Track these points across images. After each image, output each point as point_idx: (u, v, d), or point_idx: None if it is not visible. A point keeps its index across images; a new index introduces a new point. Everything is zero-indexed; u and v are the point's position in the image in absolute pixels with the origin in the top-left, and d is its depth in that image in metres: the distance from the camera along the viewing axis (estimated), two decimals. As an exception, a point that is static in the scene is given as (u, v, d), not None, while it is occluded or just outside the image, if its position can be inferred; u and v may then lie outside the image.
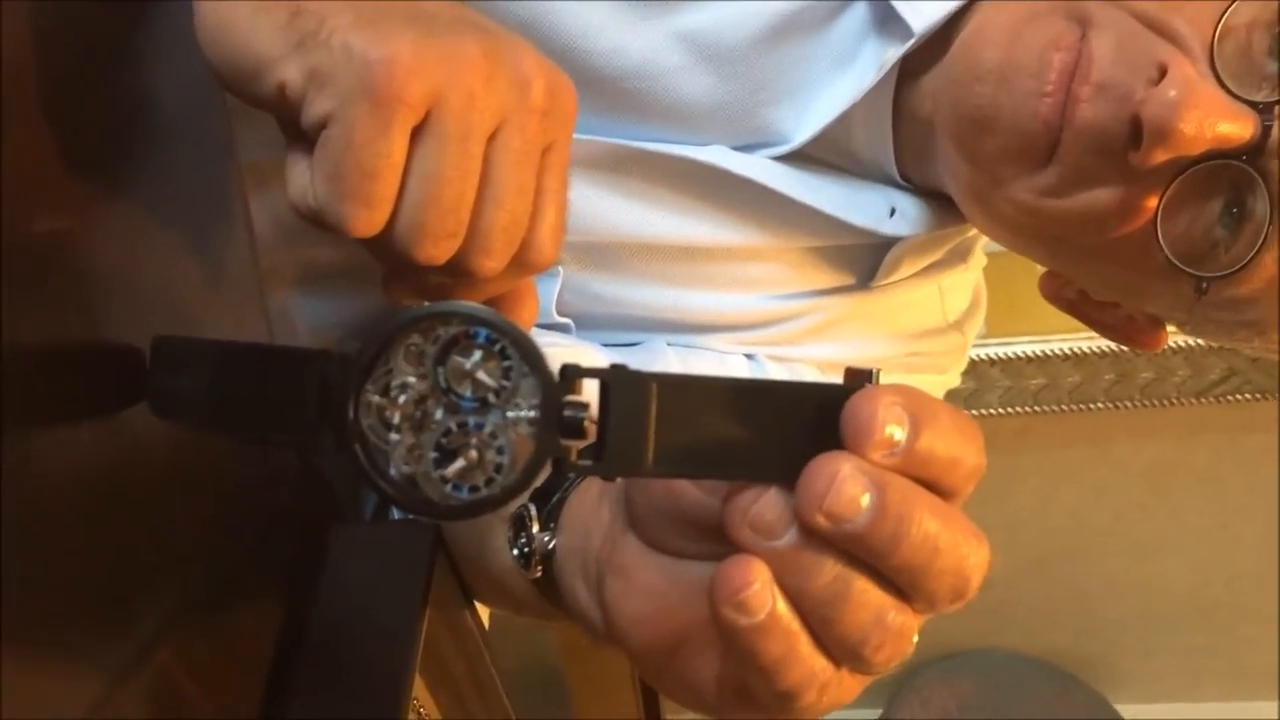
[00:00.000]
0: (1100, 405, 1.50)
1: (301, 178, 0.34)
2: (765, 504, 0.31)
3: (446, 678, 0.56)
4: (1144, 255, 0.55)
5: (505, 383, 0.29)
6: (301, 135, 0.34)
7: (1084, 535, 1.71)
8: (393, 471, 0.29)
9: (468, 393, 0.29)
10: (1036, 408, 1.51)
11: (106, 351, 0.36)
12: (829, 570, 0.31)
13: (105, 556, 0.35)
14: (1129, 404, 1.50)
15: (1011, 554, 1.69)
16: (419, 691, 0.50)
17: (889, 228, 0.65)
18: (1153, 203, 0.53)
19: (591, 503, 0.44)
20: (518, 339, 0.29)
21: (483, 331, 0.29)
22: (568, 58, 0.60)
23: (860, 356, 0.71)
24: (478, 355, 0.29)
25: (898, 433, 0.30)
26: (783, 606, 0.32)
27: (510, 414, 0.29)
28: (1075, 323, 0.70)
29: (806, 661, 0.32)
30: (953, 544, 0.31)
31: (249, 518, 0.46)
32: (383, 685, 0.46)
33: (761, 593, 0.31)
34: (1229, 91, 0.51)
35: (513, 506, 0.47)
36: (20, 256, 0.31)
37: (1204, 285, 0.55)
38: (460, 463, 0.29)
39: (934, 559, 0.31)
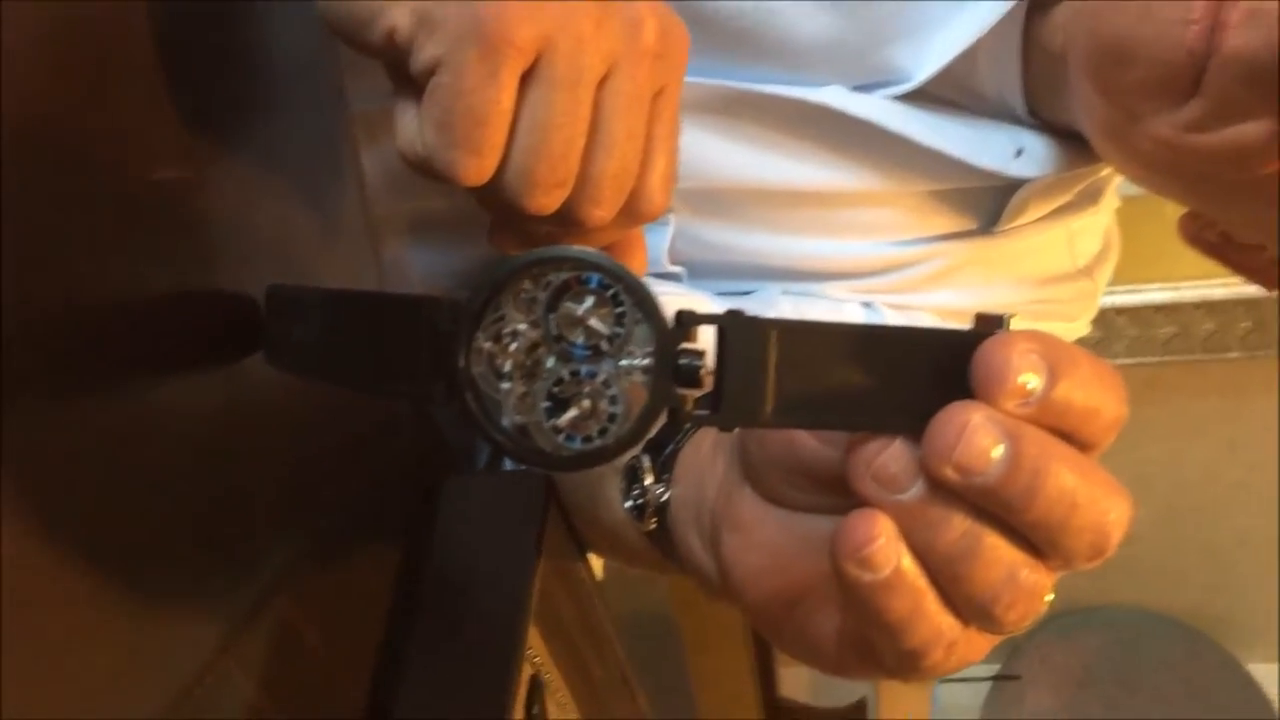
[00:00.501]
0: (1235, 355, 1.44)
1: (410, 126, 0.34)
2: (891, 455, 0.30)
3: (560, 628, 0.56)
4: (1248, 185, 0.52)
5: (618, 330, 0.28)
6: (410, 83, 0.34)
7: (1216, 489, 1.65)
8: (504, 421, 0.28)
9: (580, 340, 0.28)
10: (1167, 358, 1.45)
11: (223, 300, 0.36)
12: (958, 525, 0.30)
13: (224, 505, 0.35)
14: (1265, 353, 1.43)
15: (1139, 508, 1.62)
16: (533, 641, 0.51)
17: (1016, 169, 0.62)
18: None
19: (706, 454, 0.43)
20: (631, 285, 0.28)
21: (595, 277, 0.28)
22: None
23: (984, 304, 0.68)
24: (590, 301, 0.28)
25: (1033, 381, 0.28)
26: (908, 563, 0.30)
27: (624, 362, 0.28)
28: (1208, 268, 0.66)
29: (933, 619, 0.31)
30: (1091, 499, 0.29)
31: (364, 467, 0.46)
32: (498, 635, 0.47)
33: (886, 548, 0.30)
34: None
35: (626, 457, 0.47)
36: (140, 206, 0.32)
37: None
38: (573, 412, 0.28)
39: (1071, 515, 0.29)
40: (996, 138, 0.62)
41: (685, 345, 0.28)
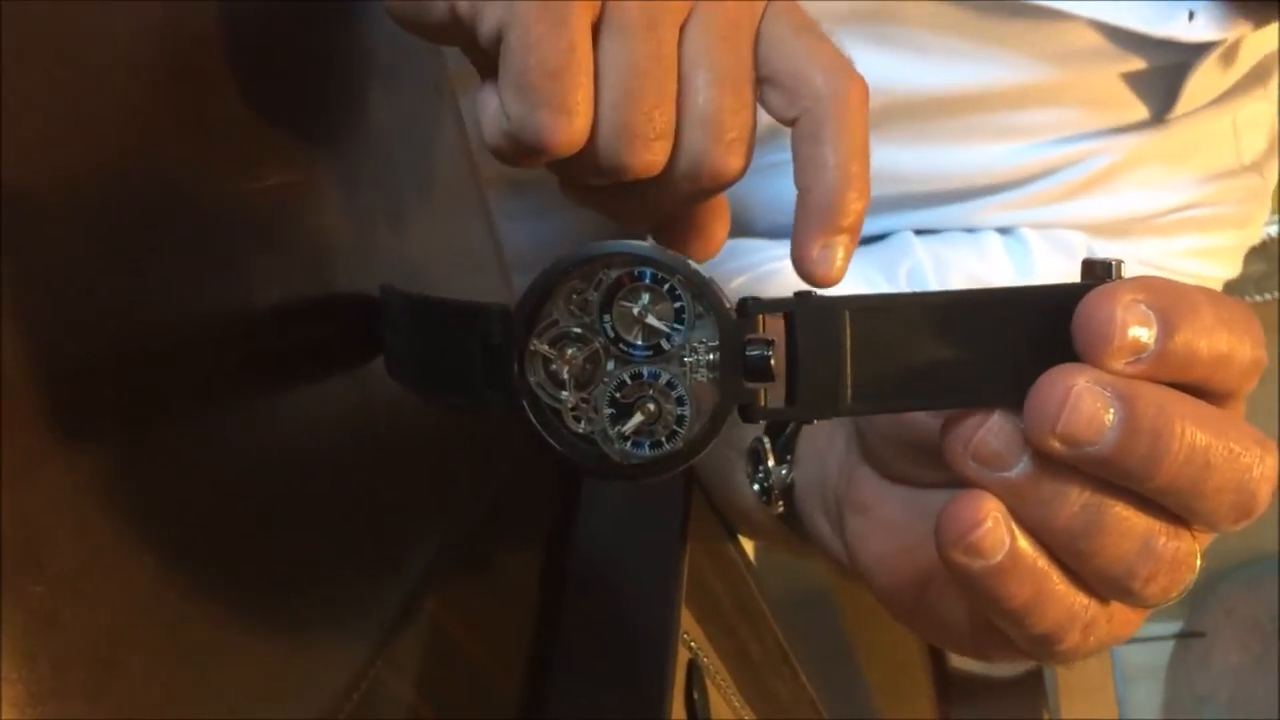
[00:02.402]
0: None
1: (491, 106, 0.31)
2: (989, 432, 0.28)
3: (714, 610, 0.55)
4: None
5: (678, 326, 0.27)
6: (488, 64, 0.32)
7: None
8: (567, 431, 0.27)
9: (639, 340, 0.27)
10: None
11: (343, 303, 0.36)
12: (1075, 499, 0.27)
13: (364, 508, 0.35)
14: None
15: None
16: (688, 625, 0.50)
17: (1195, 33, 0.57)
18: None
19: (826, 433, 0.41)
20: (689, 276, 0.27)
21: (648, 271, 0.27)
22: None
23: (1142, 210, 0.64)
24: (646, 298, 0.27)
25: (1144, 334, 0.26)
26: (1025, 544, 0.28)
27: (688, 359, 0.27)
28: None
29: (1062, 601, 0.29)
30: (1227, 456, 0.26)
31: (503, 458, 0.46)
32: (650, 622, 0.46)
33: (995, 531, 0.28)
34: None
35: (748, 440, 0.45)
36: (251, 213, 0.32)
37: None
38: (638, 418, 0.27)
39: (1205, 476, 0.26)
40: (1163, 6, 0.57)
41: (752, 336, 0.27)
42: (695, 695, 0.49)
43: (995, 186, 0.64)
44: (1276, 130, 0.69)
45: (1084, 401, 0.26)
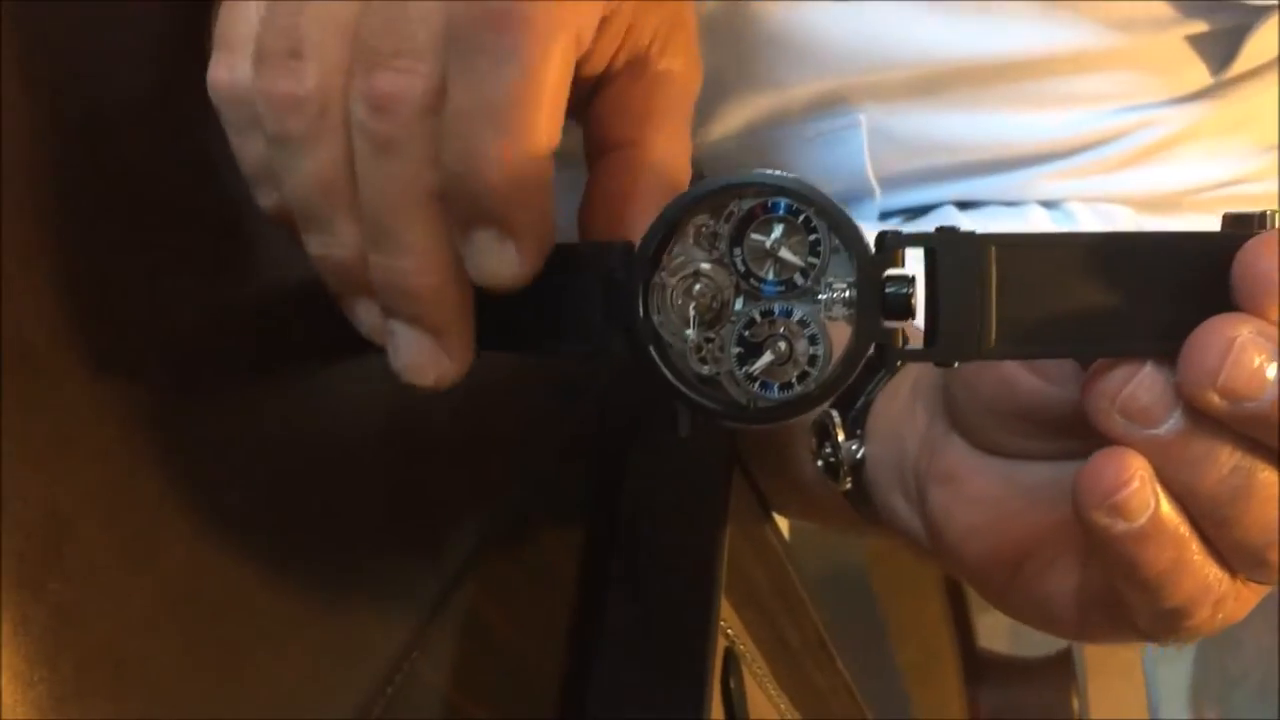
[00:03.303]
0: None
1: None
2: (1141, 384, 0.26)
3: (751, 595, 0.54)
4: None
5: (813, 260, 0.25)
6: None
7: None
8: (691, 373, 0.25)
9: (771, 275, 0.25)
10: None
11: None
12: (1225, 461, 0.26)
13: (402, 495, 0.34)
14: None
15: None
16: (725, 613, 0.49)
17: None
18: None
19: (902, 405, 0.40)
20: (825, 207, 0.25)
21: (782, 202, 0.25)
22: None
23: (1194, 182, 0.62)
24: (779, 230, 0.25)
25: None
26: (1167, 507, 0.26)
27: (822, 296, 0.25)
28: None
29: (1199, 572, 0.27)
30: None
31: (540, 445, 0.44)
32: (689, 611, 0.45)
33: (1141, 491, 0.26)
34: None
35: (815, 412, 0.44)
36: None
37: None
38: (767, 357, 0.25)
39: None
40: None
41: (891, 271, 0.25)
42: (731, 684, 0.48)
43: (1049, 155, 0.62)
44: None
45: (1247, 353, 0.24)
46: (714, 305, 0.25)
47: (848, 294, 0.25)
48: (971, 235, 0.25)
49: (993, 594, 0.35)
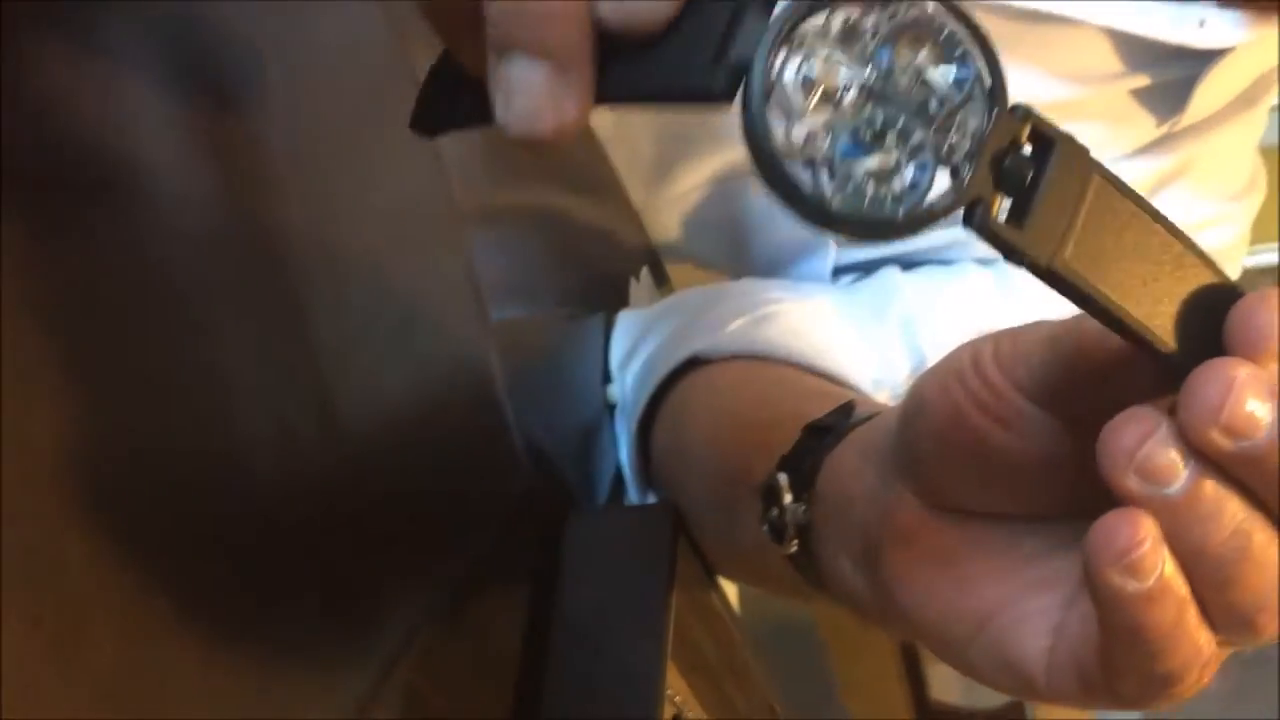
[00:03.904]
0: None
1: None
2: (1159, 442, 0.26)
3: (698, 662, 0.54)
4: None
5: (955, 94, 0.24)
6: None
7: None
8: (785, 142, 0.24)
9: (903, 90, 0.24)
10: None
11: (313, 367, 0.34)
12: (1229, 521, 0.26)
13: (340, 571, 0.34)
14: None
15: None
16: (672, 680, 0.48)
17: (1206, 39, 0.58)
18: None
19: (849, 467, 0.40)
20: (988, 51, 0.25)
21: (948, 26, 0.24)
22: None
23: None
24: (927, 52, 0.24)
25: None
26: (1172, 569, 0.27)
27: (948, 134, 0.24)
28: None
29: (1195, 635, 0.28)
30: None
31: (482, 517, 0.44)
32: (636, 678, 0.45)
33: (1154, 552, 0.27)
34: None
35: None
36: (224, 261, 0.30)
37: None
38: (876, 161, 0.24)
39: None
40: (1172, 13, 0.58)
41: (1018, 141, 0.25)
42: (679, 752, 0.48)
43: None
44: (1257, 168, 0.69)
45: (1247, 392, 0.25)
46: (840, 90, 0.24)
47: (968, 145, 0.25)
48: (1088, 152, 0.26)
49: (952, 652, 0.35)
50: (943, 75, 0.24)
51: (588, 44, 0.25)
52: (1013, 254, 0.25)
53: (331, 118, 0.40)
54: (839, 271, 0.69)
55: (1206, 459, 0.26)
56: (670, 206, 0.70)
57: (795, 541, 0.42)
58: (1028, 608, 0.32)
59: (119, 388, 0.26)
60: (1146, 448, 0.26)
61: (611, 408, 0.59)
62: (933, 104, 0.24)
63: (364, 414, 0.37)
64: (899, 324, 0.61)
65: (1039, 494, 0.32)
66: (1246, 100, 0.64)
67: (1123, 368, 0.28)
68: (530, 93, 0.25)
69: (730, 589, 0.63)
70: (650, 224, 0.71)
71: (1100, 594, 0.28)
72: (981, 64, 0.25)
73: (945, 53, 0.24)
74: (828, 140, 0.24)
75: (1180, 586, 0.27)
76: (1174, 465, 0.26)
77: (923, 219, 0.24)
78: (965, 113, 0.24)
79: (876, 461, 0.38)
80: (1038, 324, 0.31)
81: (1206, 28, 0.58)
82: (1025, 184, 0.25)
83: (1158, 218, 0.27)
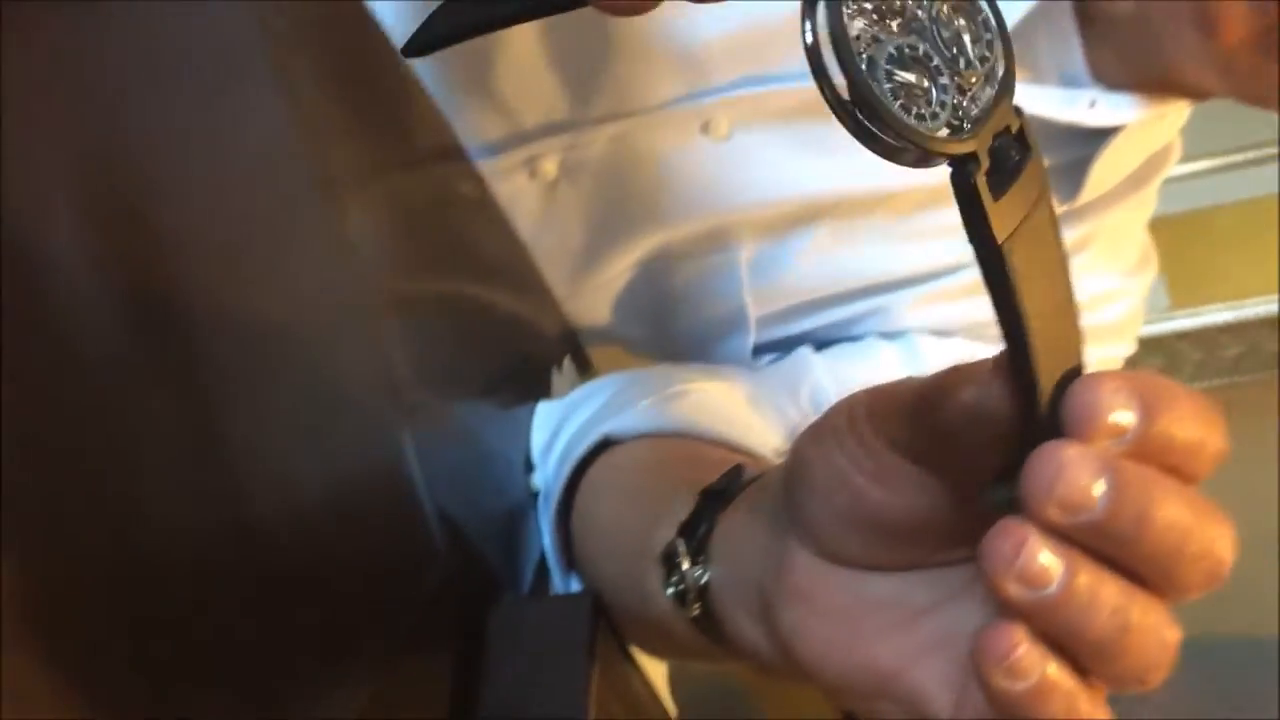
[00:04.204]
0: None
1: None
2: (1031, 550, 0.28)
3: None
4: None
5: (978, 65, 0.27)
6: None
7: None
8: (835, 18, 0.26)
9: (941, 41, 0.27)
10: (1237, 378, 1.41)
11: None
12: (1105, 605, 0.29)
13: (251, 668, 0.34)
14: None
15: (1247, 536, 1.59)
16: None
17: (1096, 118, 0.62)
18: None
19: (740, 527, 0.42)
20: (1006, 42, 0.28)
21: (984, 11, 0.28)
22: (735, 7, 0.60)
23: None
24: (962, 21, 0.27)
25: (1126, 419, 0.28)
26: (1055, 667, 0.29)
27: (966, 95, 0.27)
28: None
29: (1087, 708, 0.30)
30: (1201, 526, 0.28)
31: (398, 608, 0.44)
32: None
33: (1030, 654, 0.29)
34: None
35: (659, 547, 0.45)
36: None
37: None
38: (912, 75, 0.26)
39: (1185, 542, 0.28)
40: (1066, 95, 0.62)
41: (1009, 132, 0.27)
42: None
43: (907, 282, 0.67)
44: (1147, 247, 0.73)
45: (1077, 470, 0.27)
46: (895, 14, 0.26)
47: (977, 110, 0.27)
48: (1047, 175, 0.28)
49: (858, 705, 0.36)
50: (971, 44, 0.27)
51: None
52: (977, 218, 0.27)
53: (249, 212, 0.41)
54: (759, 351, 0.71)
55: (1073, 549, 0.28)
56: (598, 291, 0.72)
57: (698, 605, 0.43)
58: (931, 669, 0.33)
59: (26, 472, 0.26)
60: (1021, 558, 0.28)
61: (536, 495, 0.60)
62: (961, 62, 0.27)
63: (277, 503, 0.37)
64: (809, 398, 0.62)
65: (922, 546, 0.34)
66: (1138, 180, 0.68)
67: (983, 419, 0.30)
68: None
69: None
70: (577, 309, 0.73)
71: (992, 696, 0.30)
72: (999, 50, 0.28)
73: (975, 29, 0.27)
74: (878, 45, 0.26)
75: (1065, 680, 0.29)
76: (1048, 569, 0.28)
77: (928, 143, 0.26)
78: (981, 82, 0.27)
79: (766, 519, 0.39)
80: (907, 379, 0.33)
81: (1097, 108, 0.62)
82: (1007, 167, 0.27)
83: (1069, 275, 0.29)
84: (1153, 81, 0.62)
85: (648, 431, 0.57)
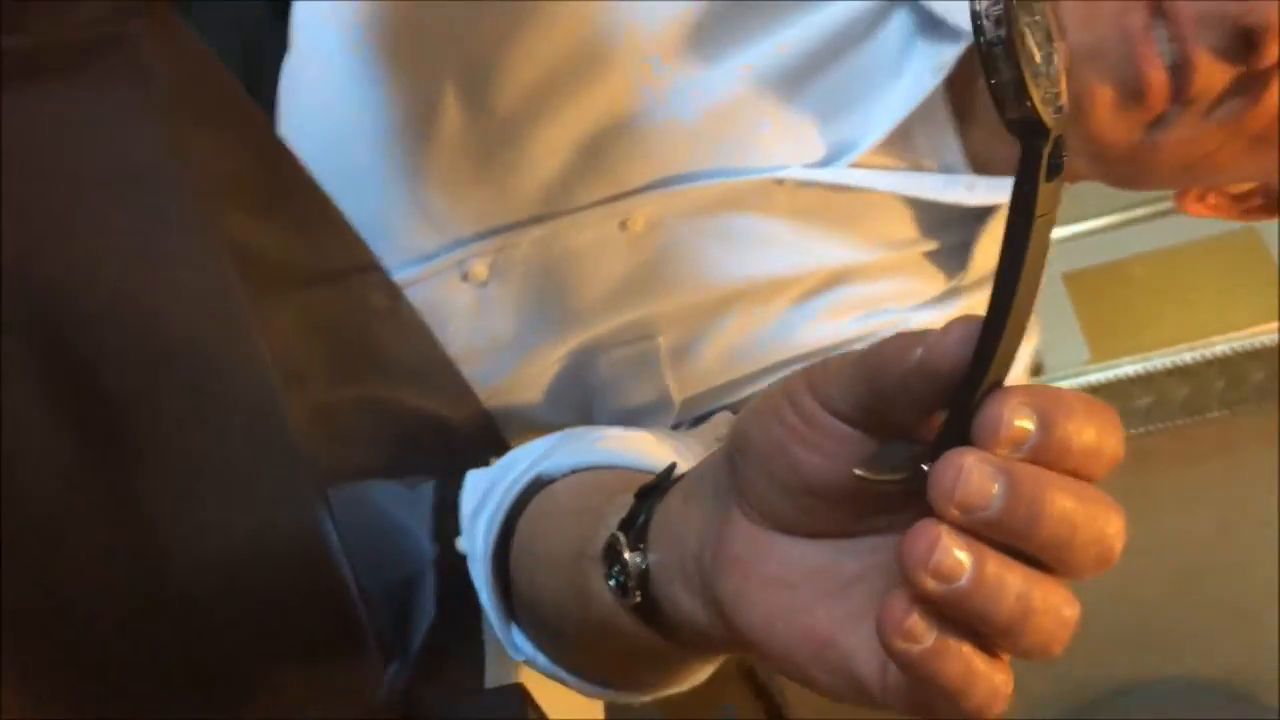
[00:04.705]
0: (1216, 413, 1.45)
1: None
2: (944, 548, 0.32)
3: None
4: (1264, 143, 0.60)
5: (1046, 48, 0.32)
6: None
7: (1234, 549, 1.64)
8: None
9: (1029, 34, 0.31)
10: (1150, 426, 1.46)
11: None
12: (1010, 591, 0.32)
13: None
14: (1248, 407, 1.45)
15: (1163, 578, 1.64)
16: None
17: (975, 198, 0.67)
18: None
19: (676, 511, 0.44)
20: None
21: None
22: (644, 115, 0.64)
23: None
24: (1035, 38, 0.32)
25: (1026, 429, 0.32)
26: (951, 636, 0.32)
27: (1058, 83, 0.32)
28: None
29: (989, 679, 0.33)
30: (1089, 516, 0.32)
31: (322, 696, 0.45)
32: None
33: (921, 622, 0.32)
34: None
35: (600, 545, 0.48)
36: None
37: None
38: (1039, 52, 0.32)
39: (1074, 533, 0.32)
40: (946, 179, 0.68)
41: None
42: None
43: (818, 352, 0.70)
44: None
45: (973, 475, 0.31)
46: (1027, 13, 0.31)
47: (1062, 100, 0.32)
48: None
49: (797, 672, 0.38)
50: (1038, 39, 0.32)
51: None
52: (1029, 184, 0.32)
53: (168, 315, 0.42)
54: (676, 425, 0.73)
55: (980, 544, 0.32)
56: (528, 382, 0.74)
57: (638, 592, 0.45)
58: (861, 635, 0.36)
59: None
60: (935, 555, 0.32)
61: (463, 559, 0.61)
62: (1056, 56, 0.32)
63: (196, 589, 0.37)
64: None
65: (853, 511, 0.37)
66: None
67: (915, 379, 0.33)
68: None
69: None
70: (508, 399, 0.75)
71: (894, 658, 0.33)
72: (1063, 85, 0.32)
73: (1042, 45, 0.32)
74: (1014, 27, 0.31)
75: (959, 646, 0.33)
76: (959, 563, 0.32)
77: (1035, 102, 0.31)
78: (1061, 77, 0.32)
79: (705, 499, 0.42)
80: (845, 354, 0.36)
81: (974, 191, 0.67)
82: (1055, 163, 0.32)
83: (1037, 292, 0.33)
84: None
85: (578, 467, 0.59)
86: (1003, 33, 0.31)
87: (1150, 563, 1.62)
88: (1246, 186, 0.70)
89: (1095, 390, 1.45)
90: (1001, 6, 0.31)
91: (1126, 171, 0.65)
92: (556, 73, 0.64)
